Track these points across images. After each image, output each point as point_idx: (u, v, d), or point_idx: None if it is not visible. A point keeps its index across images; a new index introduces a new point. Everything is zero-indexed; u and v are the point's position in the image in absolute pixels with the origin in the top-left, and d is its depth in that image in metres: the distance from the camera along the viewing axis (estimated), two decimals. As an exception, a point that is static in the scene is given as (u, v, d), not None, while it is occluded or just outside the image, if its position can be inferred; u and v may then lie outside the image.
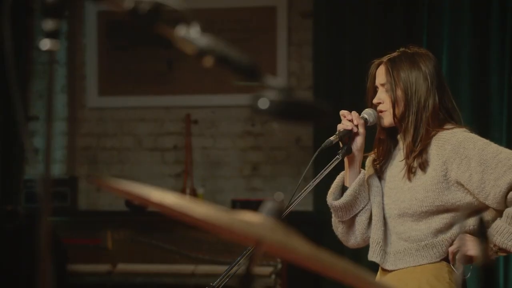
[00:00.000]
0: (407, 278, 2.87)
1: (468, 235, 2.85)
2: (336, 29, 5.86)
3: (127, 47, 6.43)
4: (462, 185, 2.83)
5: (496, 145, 2.85)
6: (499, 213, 2.85)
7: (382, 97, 2.94)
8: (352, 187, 2.97)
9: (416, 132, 2.88)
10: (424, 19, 5.52)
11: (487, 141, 2.86)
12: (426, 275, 2.85)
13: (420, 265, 2.87)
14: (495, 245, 2.81)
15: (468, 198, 2.84)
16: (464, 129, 2.90)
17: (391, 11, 5.66)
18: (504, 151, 2.82)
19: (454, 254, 2.85)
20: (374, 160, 3.04)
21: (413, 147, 2.88)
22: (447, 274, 2.86)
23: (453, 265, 2.87)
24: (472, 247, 2.77)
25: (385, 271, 2.95)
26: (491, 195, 2.78)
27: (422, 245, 2.86)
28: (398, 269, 2.91)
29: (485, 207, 2.86)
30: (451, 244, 2.87)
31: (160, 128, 6.43)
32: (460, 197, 2.84)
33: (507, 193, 2.78)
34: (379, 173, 3.02)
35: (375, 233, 2.96)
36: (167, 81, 6.38)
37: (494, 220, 2.85)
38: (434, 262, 2.86)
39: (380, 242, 2.93)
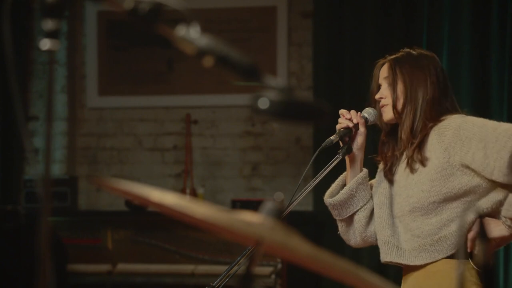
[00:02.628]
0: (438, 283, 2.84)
1: (486, 217, 2.82)
2: (336, 29, 5.86)
3: (127, 47, 6.42)
4: (468, 167, 2.79)
5: (494, 121, 2.83)
6: (511, 189, 2.81)
7: (385, 93, 2.95)
8: (348, 186, 2.98)
9: (413, 123, 2.88)
10: (424, 19, 5.52)
11: (486, 119, 2.84)
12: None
13: (436, 260, 2.83)
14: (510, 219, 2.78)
15: (476, 181, 2.80)
16: (462, 114, 2.90)
17: (391, 11, 5.67)
18: (504, 124, 2.80)
19: (474, 240, 2.82)
20: (384, 167, 3.02)
21: (410, 137, 2.88)
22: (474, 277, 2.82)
23: (472, 252, 2.82)
24: (493, 229, 2.76)
25: (408, 270, 2.92)
26: (497, 169, 2.74)
27: (435, 239, 2.83)
28: (417, 265, 2.87)
29: (494, 187, 2.81)
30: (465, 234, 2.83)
31: (160, 128, 6.43)
32: (467, 181, 2.81)
33: None
34: (390, 176, 2.99)
35: (382, 234, 2.94)
36: (167, 81, 6.38)
37: (506, 198, 2.82)
38: (454, 260, 2.82)
39: (389, 241, 2.91)
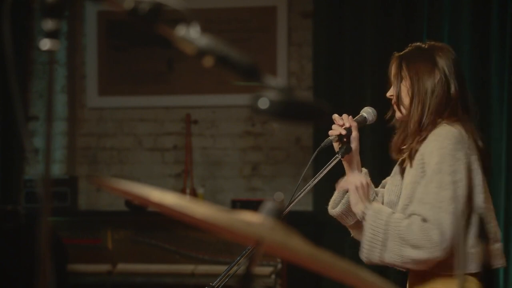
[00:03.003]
0: None
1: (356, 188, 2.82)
2: (336, 29, 5.86)
3: (127, 47, 6.42)
4: None
5: (452, 179, 2.70)
6: None
7: (393, 92, 2.91)
8: (348, 194, 2.95)
9: (421, 116, 2.79)
10: (424, 19, 5.52)
11: (450, 169, 2.71)
12: None
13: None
14: None
15: None
16: (451, 126, 2.78)
17: (391, 11, 5.67)
18: (447, 192, 2.68)
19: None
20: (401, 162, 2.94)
21: (418, 130, 2.80)
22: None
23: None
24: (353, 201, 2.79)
25: (413, 279, 2.88)
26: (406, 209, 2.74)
27: None
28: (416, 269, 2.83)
29: None
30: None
31: (160, 128, 6.43)
32: None
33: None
34: (402, 169, 2.91)
35: None
36: (167, 81, 6.38)
37: None
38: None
39: None
